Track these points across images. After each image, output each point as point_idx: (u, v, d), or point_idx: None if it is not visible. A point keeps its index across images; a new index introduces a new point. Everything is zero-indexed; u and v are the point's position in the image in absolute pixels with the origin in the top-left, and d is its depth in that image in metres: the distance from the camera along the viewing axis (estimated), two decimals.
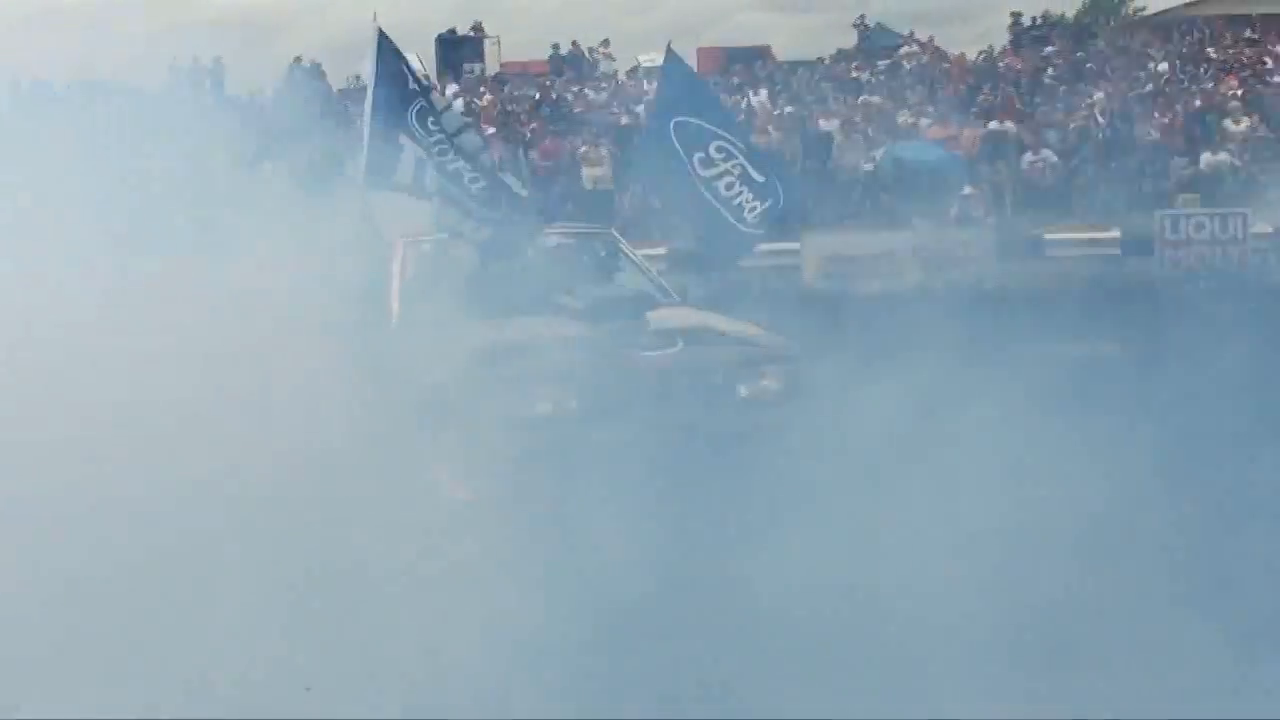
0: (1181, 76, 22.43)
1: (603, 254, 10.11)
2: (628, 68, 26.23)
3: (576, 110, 22.16)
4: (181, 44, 25.00)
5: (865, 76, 23.58)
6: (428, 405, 8.14)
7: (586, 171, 19.54)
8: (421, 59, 23.59)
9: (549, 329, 8.68)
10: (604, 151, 19.69)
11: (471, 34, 26.72)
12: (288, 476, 7.28)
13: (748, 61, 26.12)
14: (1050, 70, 22.65)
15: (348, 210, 10.24)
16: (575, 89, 23.69)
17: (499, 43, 26.94)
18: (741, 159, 10.07)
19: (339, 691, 5.79)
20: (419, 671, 5.90)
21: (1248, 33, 24.70)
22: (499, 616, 6.19)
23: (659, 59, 26.98)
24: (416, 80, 9.98)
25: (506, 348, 8.48)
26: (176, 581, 6.45)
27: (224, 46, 25.18)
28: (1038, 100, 21.27)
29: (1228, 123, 20.03)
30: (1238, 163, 19.32)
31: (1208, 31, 25.42)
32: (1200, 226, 17.87)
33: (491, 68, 26.47)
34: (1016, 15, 25.63)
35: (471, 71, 25.61)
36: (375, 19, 9.81)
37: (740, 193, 10.10)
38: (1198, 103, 20.84)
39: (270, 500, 7.06)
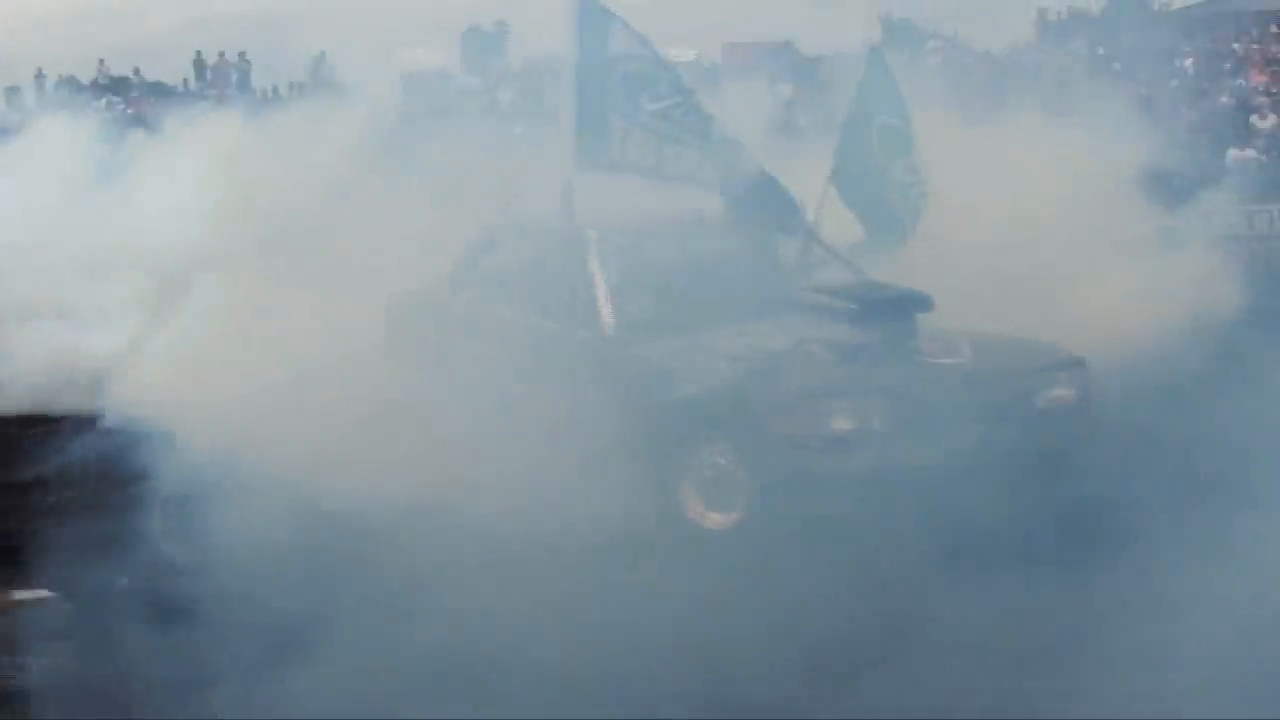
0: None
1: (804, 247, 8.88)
2: None
3: None
4: (205, 39, 25.03)
5: None
6: (679, 424, 7.40)
7: None
8: None
9: (815, 333, 7.60)
10: None
11: (494, 29, 26.67)
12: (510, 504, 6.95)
13: (774, 57, 26.06)
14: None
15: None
16: None
17: (522, 37, 26.86)
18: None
19: None
20: None
21: (1274, 28, 24.60)
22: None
23: (685, 54, 27.11)
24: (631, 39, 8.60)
25: (775, 355, 7.50)
26: None
27: (247, 40, 25.23)
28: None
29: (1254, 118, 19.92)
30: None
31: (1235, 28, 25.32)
32: None
33: (515, 63, 26.41)
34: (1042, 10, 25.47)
35: (494, 67, 25.59)
36: None
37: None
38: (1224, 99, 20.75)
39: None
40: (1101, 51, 23.41)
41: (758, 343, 7.58)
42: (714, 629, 5.85)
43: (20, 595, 7.29)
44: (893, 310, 7.70)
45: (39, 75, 24.02)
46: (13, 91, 22.93)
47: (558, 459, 7.20)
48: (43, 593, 7.25)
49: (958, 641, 5.73)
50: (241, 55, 25.14)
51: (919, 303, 7.70)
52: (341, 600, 6.38)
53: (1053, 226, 9.13)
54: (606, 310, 7.96)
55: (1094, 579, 6.28)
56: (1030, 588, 6.19)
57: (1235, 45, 23.87)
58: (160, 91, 23.37)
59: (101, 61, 24.64)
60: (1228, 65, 22.62)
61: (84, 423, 8.78)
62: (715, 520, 7.25)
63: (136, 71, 24.51)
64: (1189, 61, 22.71)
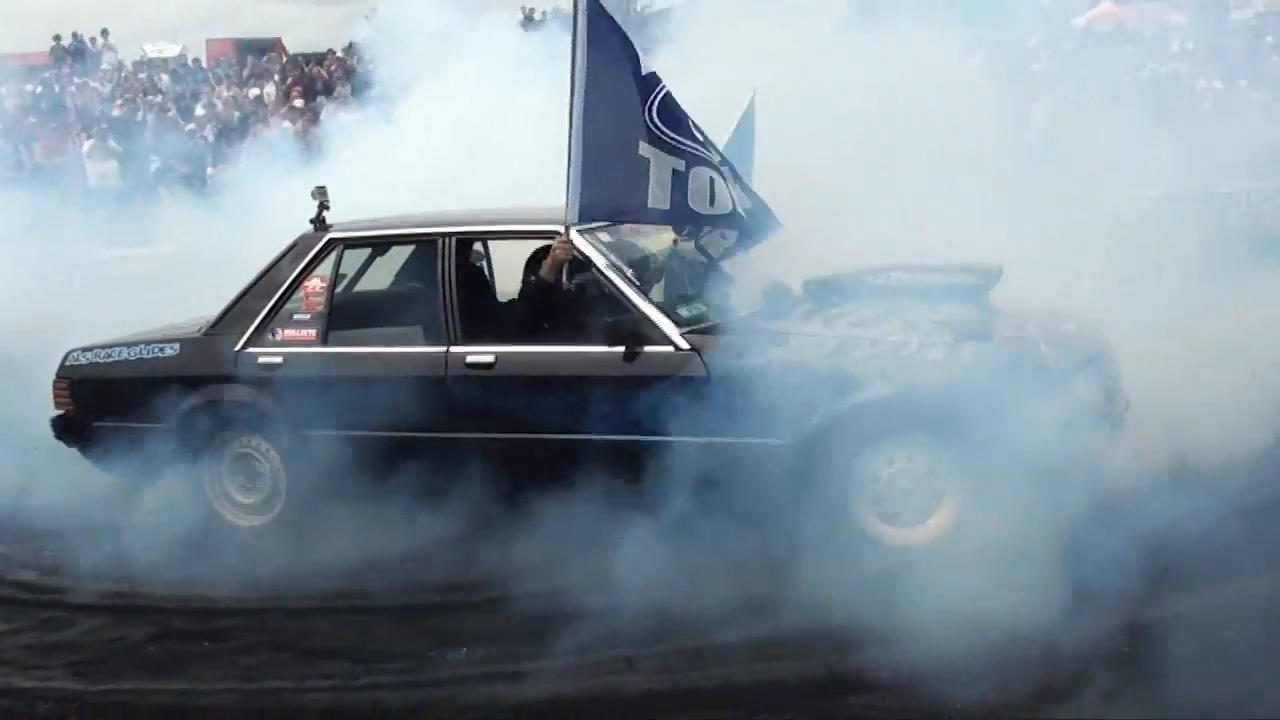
0: None
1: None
2: (134, 58, 25.54)
3: (80, 104, 21.40)
4: None
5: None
6: (858, 432, 6.45)
7: (92, 168, 18.67)
8: None
9: (937, 315, 6.78)
10: (112, 146, 18.94)
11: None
12: None
13: (258, 53, 25.91)
14: None
15: None
16: (78, 81, 22.88)
17: None
18: None
19: None
20: None
21: None
22: None
23: (169, 49, 26.51)
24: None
25: (964, 337, 6.56)
26: None
27: None
28: None
29: None
30: None
31: None
32: None
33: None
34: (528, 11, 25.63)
35: None
36: None
37: None
38: None
39: None
40: None
41: (911, 330, 6.64)
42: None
43: None
44: (989, 285, 7.10)
45: None
46: None
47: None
48: None
49: None
50: None
51: (998, 275, 7.15)
52: None
53: None
54: (662, 320, 6.91)
55: None
56: None
57: None
58: None
59: None
60: None
61: None
62: (900, 536, 6.51)
63: None
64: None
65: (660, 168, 6.86)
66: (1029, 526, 6.26)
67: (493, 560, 6.72)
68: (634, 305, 6.95)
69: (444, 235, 7.47)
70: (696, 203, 6.95)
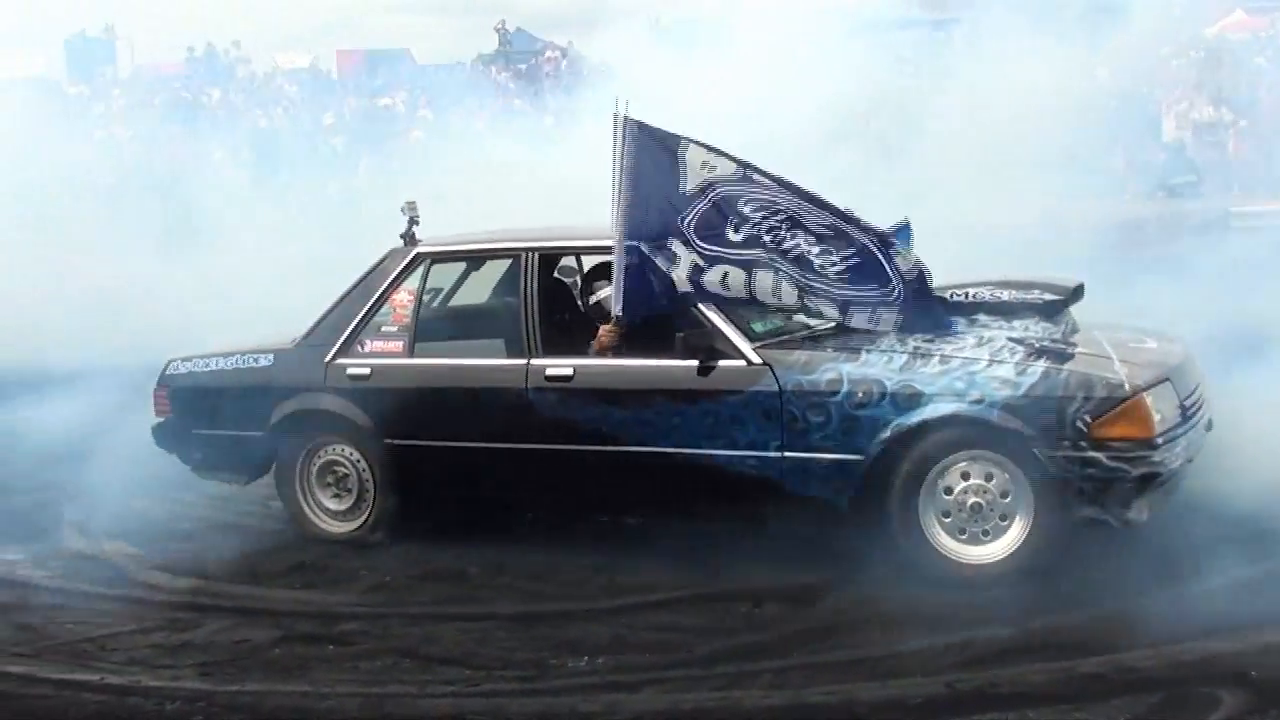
0: None
1: None
2: (265, 69, 25.99)
3: (212, 113, 21.81)
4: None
5: (506, 79, 23.87)
6: (929, 449, 6.47)
7: (224, 176, 18.88)
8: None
9: (1014, 332, 6.86)
10: (244, 155, 19.29)
11: (103, 35, 25.98)
12: None
13: (389, 64, 26.25)
14: None
15: None
16: (211, 91, 23.32)
17: (132, 44, 26.26)
18: None
19: None
20: None
21: None
22: None
23: (299, 60, 27.01)
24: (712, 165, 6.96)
25: (1036, 354, 6.55)
26: None
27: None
28: None
29: None
30: None
31: None
32: None
33: (125, 70, 25.80)
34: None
35: (104, 75, 24.93)
36: (625, 108, 6.93)
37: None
38: None
39: None
40: None
41: (983, 346, 6.67)
42: None
43: None
44: (1069, 302, 7.17)
45: None
46: None
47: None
48: None
49: None
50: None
51: (1079, 292, 7.23)
52: None
53: None
54: (735, 334, 6.94)
55: None
56: None
57: None
58: None
59: None
60: None
61: None
62: (974, 553, 6.49)
63: None
64: None
65: (686, 261, 6.99)
66: (1105, 545, 6.41)
67: (584, 569, 6.94)
68: (706, 319, 6.99)
69: (526, 250, 7.58)
70: (712, 286, 7.01)
